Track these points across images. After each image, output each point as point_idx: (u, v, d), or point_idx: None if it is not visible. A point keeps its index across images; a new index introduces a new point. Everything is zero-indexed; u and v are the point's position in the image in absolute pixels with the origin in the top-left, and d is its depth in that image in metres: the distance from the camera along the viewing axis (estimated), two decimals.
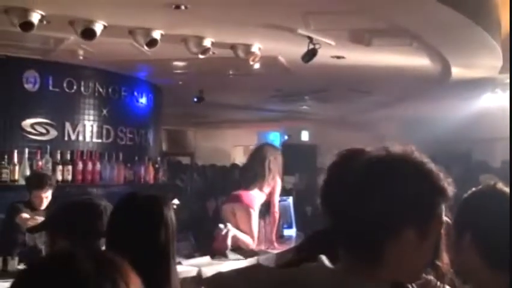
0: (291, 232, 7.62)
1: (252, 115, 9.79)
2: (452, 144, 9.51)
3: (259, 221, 7.04)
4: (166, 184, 7.60)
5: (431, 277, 2.55)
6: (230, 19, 4.61)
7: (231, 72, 7.06)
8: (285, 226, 7.58)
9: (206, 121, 9.95)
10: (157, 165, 7.34)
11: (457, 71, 5.94)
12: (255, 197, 5.65)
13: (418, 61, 5.78)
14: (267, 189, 5.75)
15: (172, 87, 7.79)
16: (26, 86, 5.99)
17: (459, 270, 1.79)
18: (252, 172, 5.70)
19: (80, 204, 2.70)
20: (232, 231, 5.40)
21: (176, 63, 6.53)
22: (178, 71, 6.96)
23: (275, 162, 5.75)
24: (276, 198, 5.96)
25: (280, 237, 7.25)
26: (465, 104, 7.54)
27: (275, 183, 5.81)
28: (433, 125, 8.72)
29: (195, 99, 8.08)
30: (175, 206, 7.09)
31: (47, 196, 4.91)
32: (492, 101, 6.87)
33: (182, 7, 4.15)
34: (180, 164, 10.35)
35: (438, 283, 2.53)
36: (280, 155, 5.96)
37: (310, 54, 4.90)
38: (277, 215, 6.02)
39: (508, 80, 6.03)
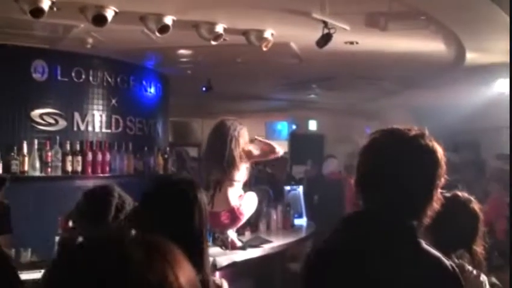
0: (302, 221, 7.60)
1: (260, 105, 9.72)
2: (461, 133, 9.43)
3: (270, 210, 7.00)
4: (176, 175, 7.53)
5: (465, 263, 2.49)
6: (243, 3, 4.52)
7: (239, 60, 6.97)
8: (295, 215, 7.56)
9: (213, 112, 9.84)
10: (166, 156, 7.27)
11: (471, 56, 5.85)
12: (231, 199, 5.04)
13: (433, 46, 5.69)
14: (239, 176, 5.09)
15: (180, 77, 7.70)
16: (34, 75, 5.89)
17: None
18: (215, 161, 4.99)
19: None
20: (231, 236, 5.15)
21: (182, 51, 6.43)
22: (185, 59, 6.88)
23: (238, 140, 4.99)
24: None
25: (291, 227, 7.23)
26: (478, 90, 7.44)
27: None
28: (443, 113, 8.62)
29: (204, 89, 8.00)
30: None
31: None
32: (506, 87, 6.77)
33: None
34: (187, 154, 10.26)
35: (475, 271, 2.48)
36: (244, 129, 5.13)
37: (326, 39, 4.81)
38: None
39: None
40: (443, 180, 1.90)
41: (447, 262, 1.84)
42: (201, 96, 8.77)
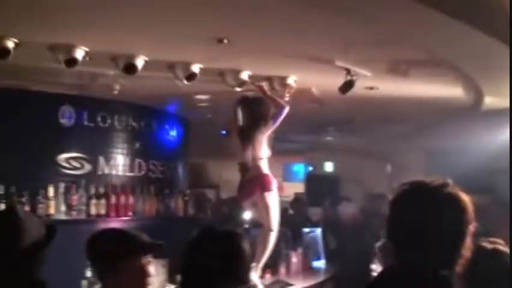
0: (320, 264, 7.59)
1: (277, 147, 9.81)
2: (476, 175, 9.41)
3: (290, 253, 7.00)
4: (195, 217, 7.59)
5: None
6: (269, 51, 4.65)
7: None
8: (314, 258, 7.55)
9: (230, 153, 9.90)
10: (186, 198, 7.35)
11: (489, 100, 5.94)
12: None
13: (451, 91, 5.79)
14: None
15: (200, 121, 7.84)
16: (61, 120, 6.05)
17: None
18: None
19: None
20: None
21: (201, 96, 6.56)
22: (204, 104, 7.01)
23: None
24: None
25: (310, 269, 7.22)
26: (495, 133, 7.50)
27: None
28: (459, 155, 8.67)
29: (223, 132, 8.09)
30: None
31: None
32: None
33: (225, 41, 4.21)
34: (204, 197, 10.32)
35: None
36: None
37: (348, 85, 4.93)
38: None
39: None
40: (471, 227, 1.95)
41: None
42: (219, 139, 8.87)
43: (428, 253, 1.90)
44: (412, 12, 3.55)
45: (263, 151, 5.30)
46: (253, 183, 5.23)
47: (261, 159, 5.27)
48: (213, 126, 8.14)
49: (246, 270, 2.18)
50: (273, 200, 5.25)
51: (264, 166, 5.30)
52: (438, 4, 3.46)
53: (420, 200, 1.97)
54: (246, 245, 2.24)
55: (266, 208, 5.21)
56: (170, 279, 5.03)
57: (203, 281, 2.14)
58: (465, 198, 1.96)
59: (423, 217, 1.93)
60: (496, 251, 2.54)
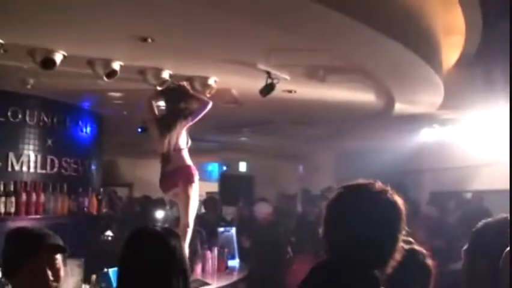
0: (235, 263, 7.65)
1: (191, 146, 9.80)
2: (385, 175, 9.82)
3: (205, 252, 7.02)
4: (106, 216, 7.46)
5: None
6: (192, 52, 4.66)
7: None
8: (229, 257, 7.60)
9: (144, 151, 9.81)
10: (99, 197, 7.20)
11: (399, 107, 6.24)
12: None
13: (365, 96, 6.03)
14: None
15: (115, 117, 7.70)
16: None
17: None
18: None
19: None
20: None
21: (115, 93, 6.45)
22: (119, 101, 6.89)
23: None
24: None
25: (226, 268, 7.27)
26: (404, 137, 7.89)
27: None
28: (369, 157, 9.03)
29: (139, 130, 8.00)
30: (109, 238, 7.01)
31: None
32: (430, 136, 7.24)
33: (149, 40, 4.17)
34: (115, 194, 10.15)
35: None
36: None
37: (269, 88, 5.02)
38: None
39: (447, 116, 6.43)
40: (404, 232, 2.06)
41: None
42: (132, 137, 8.76)
43: (363, 253, 1.99)
44: (330, 22, 3.67)
45: (182, 141, 5.29)
46: (176, 174, 5.18)
47: (181, 149, 5.25)
48: (127, 123, 8.04)
49: (186, 268, 2.20)
50: (194, 193, 5.24)
51: (186, 156, 5.28)
52: (357, 15, 3.62)
53: (361, 202, 2.05)
54: (183, 244, 2.27)
55: (187, 201, 5.17)
56: (86, 279, 4.93)
57: (141, 283, 2.15)
58: (402, 204, 2.06)
59: (362, 218, 2.01)
60: (413, 251, 2.65)
